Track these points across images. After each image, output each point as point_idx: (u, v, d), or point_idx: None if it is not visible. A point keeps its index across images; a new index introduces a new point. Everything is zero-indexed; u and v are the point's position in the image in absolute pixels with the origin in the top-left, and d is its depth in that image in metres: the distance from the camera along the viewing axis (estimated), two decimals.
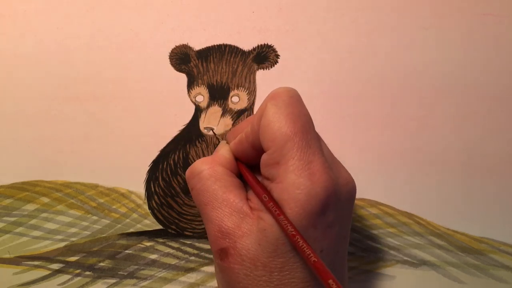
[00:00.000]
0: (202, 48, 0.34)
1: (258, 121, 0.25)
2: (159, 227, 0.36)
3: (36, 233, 0.35)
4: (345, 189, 0.25)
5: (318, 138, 0.25)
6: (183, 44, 0.34)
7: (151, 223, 0.36)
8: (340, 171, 0.25)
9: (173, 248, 0.36)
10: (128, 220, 0.36)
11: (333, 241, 0.24)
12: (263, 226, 0.23)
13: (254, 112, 0.35)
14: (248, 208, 0.25)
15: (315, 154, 0.23)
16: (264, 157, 0.25)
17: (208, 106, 0.34)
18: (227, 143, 0.29)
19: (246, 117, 0.35)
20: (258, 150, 0.26)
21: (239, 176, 0.27)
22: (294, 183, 0.23)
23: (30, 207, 0.35)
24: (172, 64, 0.34)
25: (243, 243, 0.24)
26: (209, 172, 0.26)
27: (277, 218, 0.23)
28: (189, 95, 0.35)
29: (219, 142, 0.31)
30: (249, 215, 0.24)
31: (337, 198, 0.24)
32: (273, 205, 0.23)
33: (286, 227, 0.22)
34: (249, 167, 0.27)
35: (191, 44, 0.34)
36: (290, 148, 0.23)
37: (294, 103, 0.25)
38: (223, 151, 0.28)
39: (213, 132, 0.34)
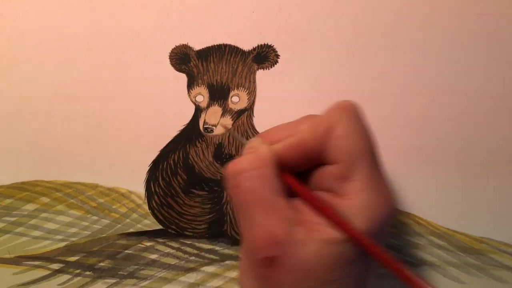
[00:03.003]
0: (202, 48, 0.34)
1: (325, 130, 0.24)
2: (159, 227, 0.36)
3: (36, 233, 0.35)
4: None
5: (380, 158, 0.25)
6: (183, 44, 0.34)
7: (151, 223, 0.36)
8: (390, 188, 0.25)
9: (173, 248, 0.36)
10: (128, 220, 0.36)
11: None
12: (324, 237, 0.22)
13: (254, 113, 0.35)
14: (301, 216, 0.23)
15: (381, 174, 0.24)
16: (330, 169, 0.24)
17: (208, 106, 0.34)
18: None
19: (246, 117, 0.35)
20: (310, 159, 0.24)
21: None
22: (367, 202, 0.23)
23: (30, 207, 0.35)
24: (172, 64, 0.34)
25: (297, 253, 0.22)
26: (260, 172, 0.23)
27: (352, 233, 0.22)
28: (189, 95, 0.35)
29: (231, 142, 0.31)
30: (303, 224, 0.23)
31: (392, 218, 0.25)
32: (340, 217, 0.22)
33: (364, 241, 0.22)
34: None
35: (191, 44, 0.34)
36: (364, 165, 0.23)
37: (363, 119, 0.25)
38: (266, 151, 0.24)
39: (233, 133, 0.33)
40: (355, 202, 0.23)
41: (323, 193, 0.24)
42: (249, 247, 0.23)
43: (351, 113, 0.24)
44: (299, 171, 0.25)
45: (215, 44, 0.34)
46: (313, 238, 0.22)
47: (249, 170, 0.24)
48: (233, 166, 0.24)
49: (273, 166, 0.24)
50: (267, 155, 0.24)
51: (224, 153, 0.35)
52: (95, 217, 0.36)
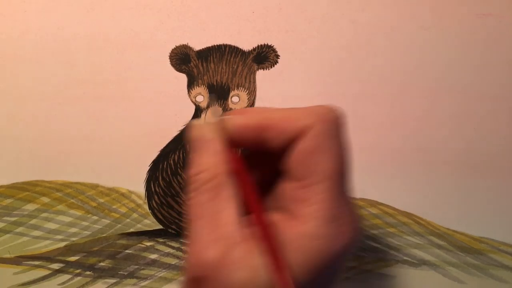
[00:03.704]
0: (202, 48, 0.34)
1: (293, 130, 0.21)
2: (159, 227, 0.36)
3: (37, 233, 0.35)
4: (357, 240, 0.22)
5: (350, 183, 0.22)
6: (183, 44, 0.34)
7: (151, 223, 0.36)
8: (360, 219, 0.23)
9: (173, 248, 0.36)
10: (128, 220, 0.36)
11: None
12: (256, 265, 0.20)
13: None
14: (241, 236, 0.20)
15: (347, 202, 0.21)
16: (289, 186, 0.21)
17: (208, 106, 0.34)
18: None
19: None
20: (266, 147, 0.22)
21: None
22: (319, 233, 0.20)
23: (31, 207, 0.35)
24: (172, 64, 0.34)
25: (224, 277, 0.20)
26: (214, 183, 0.21)
27: (276, 267, 0.19)
28: (189, 95, 0.35)
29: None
30: (240, 245, 0.20)
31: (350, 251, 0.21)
32: (274, 248, 0.20)
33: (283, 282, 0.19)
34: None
35: (191, 44, 0.34)
36: (327, 189, 0.20)
37: (341, 134, 0.21)
38: (217, 146, 0.22)
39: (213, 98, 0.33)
40: (305, 229, 0.20)
41: (277, 212, 0.21)
42: (186, 262, 0.21)
43: (328, 124, 0.21)
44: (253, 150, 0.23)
45: (215, 44, 0.34)
46: (244, 263, 0.20)
47: (205, 182, 0.21)
48: (191, 177, 0.22)
49: (228, 170, 0.22)
50: (218, 155, 0.22)
51: None
52: (95, 217, 0.36)
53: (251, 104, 0.35)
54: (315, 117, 0.21)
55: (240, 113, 0.23)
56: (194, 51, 0.34)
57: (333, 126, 0.21)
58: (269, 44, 0.34)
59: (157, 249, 0.36)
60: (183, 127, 0.35)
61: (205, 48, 0.34)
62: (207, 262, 0.20)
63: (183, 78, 0.35)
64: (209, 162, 0.22)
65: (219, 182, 0.21)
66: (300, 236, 0.20)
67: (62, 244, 0.35)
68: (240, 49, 0.34)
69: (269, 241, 0.20)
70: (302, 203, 0.20)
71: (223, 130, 0.22)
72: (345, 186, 0.21)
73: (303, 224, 0.20)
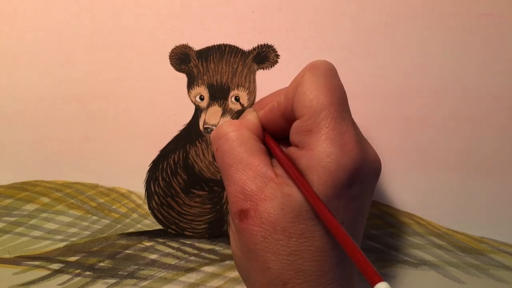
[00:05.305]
0: (202, 48, 0.34)
1: (294, 89, 0.25)
2: (159, 227, 0.36)
3: (36, 233, 0.35)
4: (372, 165, 0.25)
5: (350, 114, 0.25)
6: (183, 44, 0.34)
7: (151, 223, 0.36)
8: (368, 148, 0.26)
9: (173, 248, 0.36)
10: (128, 220, 0.36)
11: (354, 215, 0.24)
12: (288, 191, 0.24)
13: None
14: (273, 173, 0.25)
15: (348, 126, 0.24)
16: (296, 123, 0.25)
17: (208, 106, 0.34)
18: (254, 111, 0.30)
19: None
20: (288, 119, 0.26)
21: (264, 144, 0.28)
22: (325, 151, 0.23)
23: (30, 207, 0.35)
24: (172, 64, 0.34)
25: (265, 206, 0.24)
26: (236, 134, 0.26)
27: (301, 185, 0.23)
28: (189, 95, 0.35)
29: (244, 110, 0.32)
30: (274, 180, 0.24)
31: (364, 173, 0.24)
32: (296, 173, 0.23)
33: (309, 195, 0.23)
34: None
35: (191, 44, 0.34)
36: (324, 117, 0.23)
37: (332, 75, 0.25)
38: (251, 117, 0.29)
39: (239, 101, 0.34)
40: (313, 152, 0.23)
41: (293, 148, 0.25)
42: (229, 202, 0.26)
43: (316, 70, 0.25)
44: (282, 134, 0.27)
45: (215, 44, 0.34)
46: (281, 192, 0.24)
47: (227, 133, 0.27)
48: (215, 131, 0.28)
49: (250, 129, 0.27)
50: (248, 120, 0.28)
51: None
52: (95, 217, 0.36)
53: (251, 104, 0.35)
54: (306, 69, 0.25)
55: (262, 105, 0.30)
56: (194, 51, 0.34)
57: (320, 70, 0.25)
58: (269, 44, 0.34)
59: (157, 249, 0.35)
60: (183, 127, 0.35)
61: (205, 48, 0.34)
62: (249, 195, 0.24)
63: (183, 78, 0.35)
64: (233, 123, 0.28)
65: (242, 135, 0.26)
66: (312, 159, 0.23)
67: (62, 244, 0.35)
68: (240, 49, 0.34)
69: (291, 170, 0.24)
70: (307, 134, 0.24)
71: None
72: (343, 114, 0.24)
73: (313, 150, 0.23)
